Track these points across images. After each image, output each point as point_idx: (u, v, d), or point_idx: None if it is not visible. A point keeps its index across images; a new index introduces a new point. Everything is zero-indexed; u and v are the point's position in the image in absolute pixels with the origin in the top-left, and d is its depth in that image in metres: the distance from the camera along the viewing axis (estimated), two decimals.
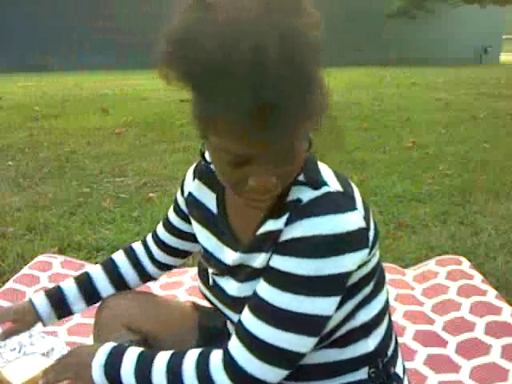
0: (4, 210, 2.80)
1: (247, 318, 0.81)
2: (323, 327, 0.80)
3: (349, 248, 0.78)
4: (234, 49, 0.64)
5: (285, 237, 0.80)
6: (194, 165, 1.05)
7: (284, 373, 0.80)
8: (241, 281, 0.88)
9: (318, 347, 0.87)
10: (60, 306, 1.13)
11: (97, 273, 1.17)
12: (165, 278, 2.01)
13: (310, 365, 0.89)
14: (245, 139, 0.69)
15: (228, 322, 1.08)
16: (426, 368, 1.49)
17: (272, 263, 0.81)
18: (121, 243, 2.33)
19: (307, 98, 0.69)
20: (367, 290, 0.88)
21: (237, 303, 0.88)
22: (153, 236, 1.16)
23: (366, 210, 0.84)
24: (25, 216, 2.69)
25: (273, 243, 0.83)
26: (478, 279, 1.94)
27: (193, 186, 1.02)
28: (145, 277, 1.17)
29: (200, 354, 0.83)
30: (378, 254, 0.89)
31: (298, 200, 0.81)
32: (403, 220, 2.71)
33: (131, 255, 1.17)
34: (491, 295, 1.82)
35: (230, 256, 0.92)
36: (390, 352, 0.95)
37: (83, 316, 1.72)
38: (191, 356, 0.83)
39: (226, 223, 0.95)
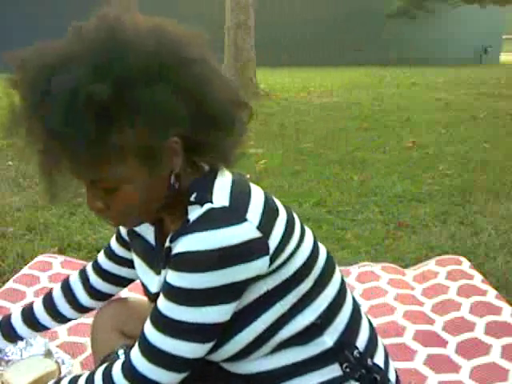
0: (4, 209, 2.80)
1: (146, 326, 0.87)
2: (214, 334, 0.84)
3: (234, 260, 0.80)
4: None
5: (173, 252, 0.85)
6: None
7: (179, 376, 0.85)
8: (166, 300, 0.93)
9: (261, 354, 0.89)
10: (9, 334, 1.23)
11: (38, 308, 1.22)
12: None
13: (271, 370, 0.90)
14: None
15: None
16: (425, 368, 1.49)
17: (166, 277, 0.86)
18: None
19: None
20: (301, 290, 0.88)
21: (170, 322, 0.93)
22: (93, 264, 1.18)
23: (271, 217, 0.86)
24: (25, 216, 2.69)
25: (167, 259, 0.89)
26: (478, 279, 1.94)
27: None
28: (82, 309, 1.21)
29: (107, 365, 0.91)
30: (303, 253, 0.90)
31: (187, 220, 0.85)
32: (403, 220, 2.71)
33: (67, 292, 1.20)
34: (491, 295, 1.82)
35: (154, 281, 0.99)
36: (361, 343, 0.94)
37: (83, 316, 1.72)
38: (100, 368, 0.90)
39: (161, 255, 0.96)
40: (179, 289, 0.82)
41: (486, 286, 1.88)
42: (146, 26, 0.88)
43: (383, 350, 1.01)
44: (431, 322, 1.71)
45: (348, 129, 5.28)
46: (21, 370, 1.25)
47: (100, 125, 0.74)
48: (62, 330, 1.64)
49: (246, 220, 0.82)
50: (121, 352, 1.06)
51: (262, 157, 4.04)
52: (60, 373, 1.30)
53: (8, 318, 1.24)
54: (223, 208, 0.82)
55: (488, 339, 1.59)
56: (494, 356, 1.52)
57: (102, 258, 1.16)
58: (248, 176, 3.48)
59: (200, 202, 0.85)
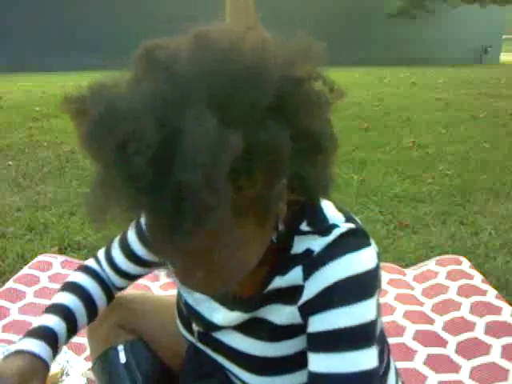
0: (4, 209, 2.80)
1: None
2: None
3: (374, 287, 0.72)
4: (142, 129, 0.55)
5: (310, 293, 0.72)
6: None
7: None
8: (268, 339, 0.79)
9: None
10: (55, 347, 0.97)
11: (76, 307, 1.01)
12: (164, 276, 2.01)
13: None
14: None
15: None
16: (426, 368, 1.49)
17: (309, 329, 0.72)
18: None
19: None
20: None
21: (248, 359, 0.82)
22: (109, 262, 1.02)
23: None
24: (25, 216, 2.69)
25: (291, 301, 0.75)
26: (478, 279, 1.94)
27: None
28: (111, 299, 1.08)
29: None
30: None
31: (309, 250, 0.73)
32: (403, 220, 2.71)
33: (100, 281, 1.04)
34: (491, 295, 1.82)
35: (221, 315, 0.85)
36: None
37: None
38: None
39: None
40: (354, 328, 0.69)
41: (486, 286, 1.88)
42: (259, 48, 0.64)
43: (395, 375, 0.95)
44: (431, 321, 1.71)
45: (348, 129, 5.28)
46: None
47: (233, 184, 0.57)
48: None
49: (371, 243, 0.74)
50: (120, 348, 1.05)
51: None
52: (62, 375, 1.30)
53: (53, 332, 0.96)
54: (353, 230, 0.73)
55: (488, 339, 1.59)
56: (494, 356, 1.52)
57: (120, 257, 1.00)
58: None
59: (319, 230, 0.73)
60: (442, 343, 1.59)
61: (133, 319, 1.09)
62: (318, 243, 0.72)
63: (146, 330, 1.08)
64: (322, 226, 0.74)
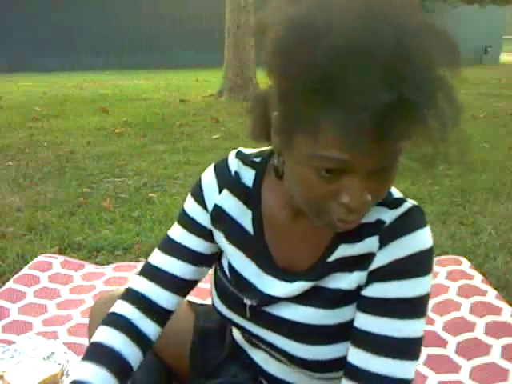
0: (4, 210, 2.80)
1: (365, 359, 0.75)
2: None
3: (432, 263, 0.78)
4: (373, 33, 0.57)
5: (381, 262, 0.76)
6: (211, 174, 0.90)
7: None
8: (322, 306, 0.81)
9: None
10: None
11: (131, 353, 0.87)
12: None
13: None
14: (353, 146, 0.61)
15: (260, 351, 0.94)
16: (425, 368, 1.49)
17: (372, 293, 0.77)
18: (121, 243, 2.33)
19: (441, 102, 0.61)
20: None
21: (303, 329, 0.82)
22: (153, 276, 0.91)
23: None
24: (25, 216, 2.69)
25: (360, 267, 0.78)
26: (478, 279, 1.94)
27: (219, 197, 0.88)
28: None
29: None
30: None
31: (380, 221, 0.77)
32: None
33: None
34: (491, 295, 1.82)
35: (280, 288, 0.84)
36: None
37: (83, 316, 1.72)
38: None
39: (265, 248, 0.85)
40: (415, 299, 0.75)
41: (485, 286, 1.88)
42: None
43: None
44: (431, 322, 1.71)
45: None
46: (23, 373, 1.25)
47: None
48: (62, 330, 1.64)
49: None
50: None
51: None
52: (62, 375, 1.30)
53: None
54: (417, 207, 0.78)
55: (488, 339, 1.59)
56: (494, 356, 1.52)
57: (169, 262, 0.91)
58: None
59: (387, 202, 0.78)
60: (442, 343, 1.59)
61: None
62: (388, 215, 0.77)
63: None
64: (390, 199, 0.78)
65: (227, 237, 0.88)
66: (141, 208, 2.85)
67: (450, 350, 1.56)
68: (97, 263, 2.17)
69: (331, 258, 0.80)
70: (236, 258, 0.88)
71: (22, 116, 5.92)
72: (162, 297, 0.90)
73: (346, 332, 0.80)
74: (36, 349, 1.37)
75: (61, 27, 14.37)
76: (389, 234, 0.76)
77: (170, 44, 14.99)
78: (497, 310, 1.72)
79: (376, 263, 0.77)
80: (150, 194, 3.09)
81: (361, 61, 0.57)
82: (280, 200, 0.84)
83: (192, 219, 0.91)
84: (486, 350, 1.55)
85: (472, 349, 1.56)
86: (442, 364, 1.50)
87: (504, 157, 4.11)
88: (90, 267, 2.08)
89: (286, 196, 0.82)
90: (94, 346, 0.85)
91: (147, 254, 2.25)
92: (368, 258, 0.78)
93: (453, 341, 1.60)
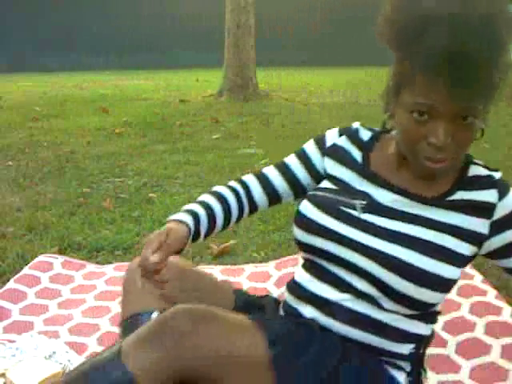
0: (4, 210, 2.80)
1: None
2: None
3: None
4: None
5: (502, 213, 0.99)
6: (335, 129, 1.17)
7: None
8: (429, 227, 0.98)
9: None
10: (198, 222, 1.12)
11: (217, 208, 1.15)
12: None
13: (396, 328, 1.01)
14: (438, 90, 0.85)
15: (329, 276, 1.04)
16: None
17: (507, 241, 1.00)
18: (121, 243, 2.34)
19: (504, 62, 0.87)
20: None
21: (403, 237, 0.97)
22: (259, 178, 1.21)
23: None
24: (25, 216, 2.69)
25: (482, 215, 0.98)
26: (478, 279, 1.94)
27: (338, 139, 1.14)
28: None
29: None
30: None
31: (490, 177, 1.01)
32: None
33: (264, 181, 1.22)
34: (491, 295, 1.82)
35: (388, 195, 1.03)
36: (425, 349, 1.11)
37: (84, 315, 1.73)
38: None
39: (373, 174, 1.06)
40: None
41: (485, 286, 1.88)
42: None
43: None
44: None
45: None
46: (25, 371, 1.25)
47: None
48: (63, 329, 1.64)
49: None
50: (155, 314, 1.02)
51: (261, 157, 4.04)
52: (63, 374, 1.30)
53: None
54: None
55: (488, 339, 1.59)
56: (494, 356, 1.52)
57: (274, 174, 1.20)
58: None
59: (484, 166, 1.04)
60: (442, 343, 1.59)
61: (172, 290, 1.07)
62: (494, 174, 1.02)
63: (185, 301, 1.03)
64: (485, 165, 1.05)
65: (341, 161, 1.11)
66: (141, 208, 2.85)
67: (449, 350, 1.56)
68: (97, 263, 2.17)
69: (450, 198, 1.00)
70: (347, 176, 1.08)
71: (21, 116, 5.92)
72: (259, 192, 1.20)
73: (447, 255, 0.96)
74: (38, 347, 1.37)
75: (61, 27, 14.36)
76: (504, 189, 0.99)
77: (170, 44, 14.99)
78: (497, 310, 1.72)
79: (497, 214, 0.99)
80: (150, 194, 3.09)
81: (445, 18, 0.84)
82: (387, 158, 1.06)
83: (308, 157, 1.17)
84: (485, 350, 1.55)
85: (472, 349, 1.56)
86: (441, 364, 1.50)
87: (504, 157, 4.11)
88: (90, 267, 2.08)
89: (393, 153, 1.04)
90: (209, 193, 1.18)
91: None
92: (489, 208, 0.99)
93: (453, 341, 1.60)
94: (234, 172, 3.60)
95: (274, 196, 1.19)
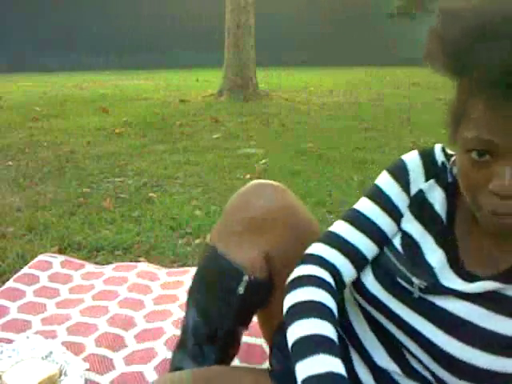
0: (4, 210, 2.80)
1: None
2: None
3: None
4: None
5: None
6: (417, 158, 0.91)
7: None
8: (499, 312, 0.77)
9: None
10: None
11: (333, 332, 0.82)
12: (165, 276, 2.01)
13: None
14: (502, 119, 0.65)
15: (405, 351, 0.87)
16: None
17: None
18: (121, 243, 2.33)
19: None
20: None
21: (466, 329, 0.78)
22: (339, 245, 0.90)
23: None
24: (25, 216, 2.69)
25: None
26: None
27: (425, 185, 0.89)
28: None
29: None
30: None
31: None
32: None
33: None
34: None
35: (457, 283, 0.81)
36: None
37: (82, 315, 1.72)
38: None
39: (453, 241, 0.84)
40: None
41: None
42: None
43: None
44: None
45: (348, 129, 5.28)
46: (22, 373, 1.25)
47: None
48: (61, 329, 1.64)
49: None
50: (245, 278, 0.99)
51: (261, 157, 4.04)
52: (60, 375, 1.30)
53: None
54: None
55: None
56: None
57: (352, 233, 0.91)
58: (248, 176, 3.48)
59: None
60: None
61: None
62: None
63: None
64: None
65: (420, 218, 0.88)
66: (141, 208, 2.85)
67: None
68: (97, 263, 2.17)
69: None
70: (421, 237, 0.87)
71: (21, 116, 5.92)
72: (349, 270, 0.90)
73: None
74: (34, 348, 1.37)
75: (61, 27, 14.36)
76: None
77: (170, 44, 14.99)
78: None
79: None
80: (150, 194, 3.09)
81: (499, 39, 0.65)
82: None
83: (387, 197, 0.91)
84: None
85: None
86: None
87: None
88: (89, 267, 2.08)
89: None
90: (311, 303, 0.83)
91: (147, 254, 2.25)
92: None
93: None
94: (234, 172, 3.60)
95: (363, 264, 0.90)
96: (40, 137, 4.83)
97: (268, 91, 8.13)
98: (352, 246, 0.90)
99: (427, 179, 0.89)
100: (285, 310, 0.84)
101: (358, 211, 0.92)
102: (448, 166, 0.89)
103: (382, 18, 17.07)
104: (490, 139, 0.67)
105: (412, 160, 0.91)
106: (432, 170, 0.90)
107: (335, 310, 0.83)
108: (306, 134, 5.09)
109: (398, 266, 0.86)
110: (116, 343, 1.55)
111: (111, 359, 1.48)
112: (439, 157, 0.90)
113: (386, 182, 0.92)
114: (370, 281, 0.89)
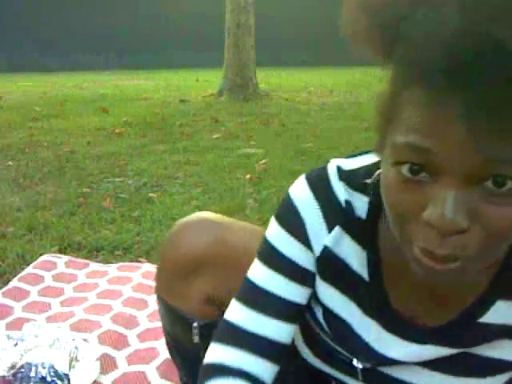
0: (4, 210, 2.80)
1: None
2: None
3: None
4: None
5: None
6: (312, 203, 0.68)
7: None
8: (465, 374, 0.65)
9: None
10: None
11: None
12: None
13: None
14: (445, 122, 0.44)
15: None
16: None
17: None
18: (121, 243, 2.34)
19: None
20: None
21: None
22: (240, 345, 0.69)
23: None
24: (25, 216, 2.69)
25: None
26: None
27: (329, 238, 0.68)
28: None
29: None
30: None
31: None
32: None
33: None
34: None
35: (403, 348, 0.67)
36: None
37: (86, 313, 1.73)
38: None
39: (384, 297, 0.67)
40: None
41: None
42: None
43: None
44: None
45: (348, 129, 5.28)
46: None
47: None
48: (64, 326, 1.65)
49: None
50: (195, 325, 0.93)
51: (262, 157, 4.04)
52: (72, 361, 1.32)
53: None
54: None
55: None
56: None
57: (271, 328, 0.69)
58: (248, 176, 3.48)
59: None
60: None
61: (222, 290, 0.88)
62: None
63: None
64: None
65: (336, 284, 0.69)
66: (141, 208, 2.85)
67: None
68: (97, 263, 2.17)
69: (484, 319, 0.62)
70: (344, 310, 0.69)
71: (21, 116, 5.92)
72: (261, 368, 0.68)
73: None
74: (39, 336, 1.38)
75: (61, 27, 14.36)
76: None
77: (170, 44, 14.99)
78: None
79: None
80: (150, 194, 3.09)
81: None
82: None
83: (290, 261, 0.68)
84: None
85: None
86: None
87: None
88: (94, 265, 2.10)
89: None
90: None
91: (147, 254, 2.25)
92: None
93: None
94: (234, 172, 3.60)
95: (281, 356, 0.71)
96: (40, 137, 4.83)
97: (268, 91, 8.13)
98: (262, 339, 0.68)
99: (330, 228, 0.68)
100: None
101: (258, 287, 0.69)
102: (352, 204, 0.67)
103: None
104: (426, 147, 0.46)
105: (304, 202, 0.68)
106: (333, 212, 0.67)
107: None
108: (306, 134, 5.09)
109: (333, 345, 0.72)
110: (119, 342, 1.56)
111: (114, 358, 1.49)
112: (340, 192, 0.68)
113: (281, 239, 0.69)
114: (309, 355, 0.76)
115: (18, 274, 1.98)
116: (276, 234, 0.70)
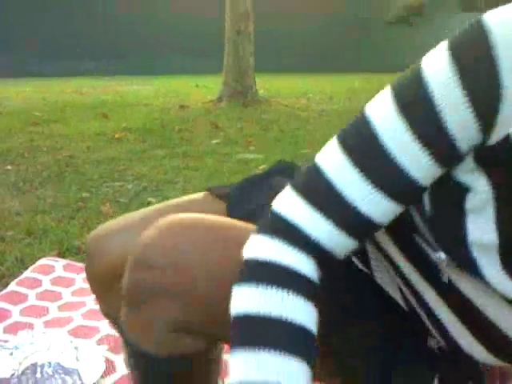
0: (3, 214, 2.81)
1: None
2: None
3: None
4: None
5: None
6: None
7: None
8: None
9: None
10: None
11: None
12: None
13: None
14: None
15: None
16: None
17: None
18: None
19: None
20: None
21: None
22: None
23: None
24: (24, 220, 2.69)
25: None
26: None
27: None
28: None
29: None
30: None
31: None
32: None
33: None
34: None
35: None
36: None
37: (84, 318, 1.73)
38: None
39: None
40: None
41: None
42: None
43: None
44: None
45: None
46: None
47: None
48: (62, 332, 1.65)
49: None
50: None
51: (261, 162, 4.05)
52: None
53: None
54: None
55: None
56: None
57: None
58: None
59: None
60: None
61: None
62: None
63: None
64: None
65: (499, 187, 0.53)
66: None
67: None
68: None
69: None
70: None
71: (21, 121, 5.93)
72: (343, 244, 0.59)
73: None
74: (34, 343, 1.38)
75: (61, 33, 14.41)
76: None
77: (170, 50, 15.04)
78: None
79: None
80: (150, 199, 3.10)
81: None
82: None
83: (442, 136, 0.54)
84: None
85: None
86: None
87: None
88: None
89: None
90: None
91: None
92: None
93: None
94: (234, 177, 3.60)
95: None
96: (40, 142, 4.84)
97: (267, 97, 8.15)
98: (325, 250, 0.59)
99: None
100: (234, 317, 0.56)
101: (334, 189, 0.57)
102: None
103: (381, 24, 17.16)
104: None
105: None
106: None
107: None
108: (305, 140, 5.11)
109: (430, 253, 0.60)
110: (117, 345, 1.56)
111: (113, 361, 1.49)
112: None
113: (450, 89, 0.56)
114: (492, 269, 0.57)
115: (16, 278, 1.98)
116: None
